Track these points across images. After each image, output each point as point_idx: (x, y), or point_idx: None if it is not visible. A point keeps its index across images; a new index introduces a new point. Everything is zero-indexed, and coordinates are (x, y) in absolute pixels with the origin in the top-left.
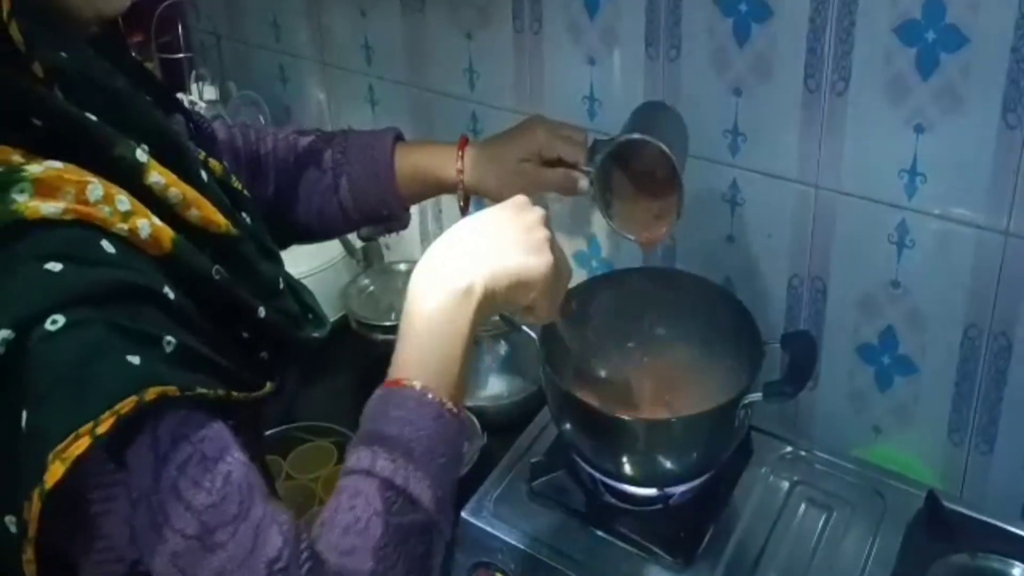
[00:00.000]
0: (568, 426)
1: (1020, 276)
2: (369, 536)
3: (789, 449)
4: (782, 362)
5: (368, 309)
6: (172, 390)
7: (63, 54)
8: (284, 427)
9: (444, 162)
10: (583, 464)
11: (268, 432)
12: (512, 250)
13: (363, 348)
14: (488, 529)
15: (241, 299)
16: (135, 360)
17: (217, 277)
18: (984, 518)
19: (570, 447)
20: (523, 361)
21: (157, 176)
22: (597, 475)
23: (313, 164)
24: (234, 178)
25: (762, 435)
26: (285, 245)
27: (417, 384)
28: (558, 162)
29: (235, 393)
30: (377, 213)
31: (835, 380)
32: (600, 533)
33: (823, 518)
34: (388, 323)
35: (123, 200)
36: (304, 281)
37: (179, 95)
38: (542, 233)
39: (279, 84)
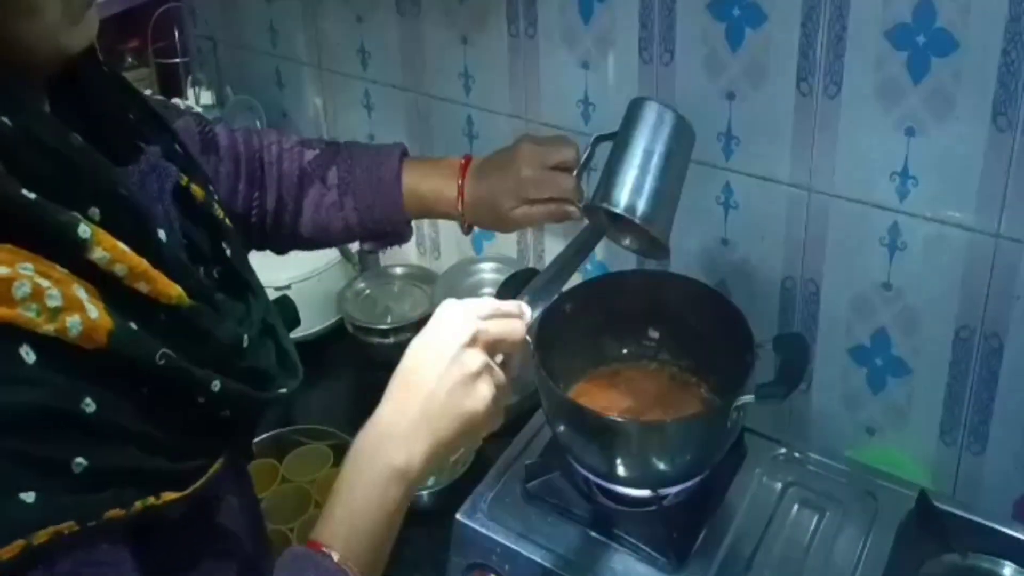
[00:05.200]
0: (562, 428)
1: (1011, 277)
2: None
3: (782, 450)
4: (775, 364)
5: (364, 312)
6: (68, 527)
7: (6, 119)
8: (280, 430)
9: (446, 203)
10: (577, 466)
11: (263, 435)
12: (452, 417)
13: (359, 351)
14: (483, 531)
15: (192, 377)
16: (29, 498)
17: (162, 362)
18: (975, 518)
19: (564, 449)
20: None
21: (101, 252)
22: (591, 477)
23: (318, 180)
24: (216, 206)
25: (755, 436)
26: (284, 251)
27: (336, 555)
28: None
29: (169, 494)
30: (381, 229)
31: (828, 381)
32: (594, 534)
33: (816, 519)
34: (384, 326)
35: (54, 295)
36: (300, 285)
37: (175, 100)
38: (480, 367)
39: (276, 89)
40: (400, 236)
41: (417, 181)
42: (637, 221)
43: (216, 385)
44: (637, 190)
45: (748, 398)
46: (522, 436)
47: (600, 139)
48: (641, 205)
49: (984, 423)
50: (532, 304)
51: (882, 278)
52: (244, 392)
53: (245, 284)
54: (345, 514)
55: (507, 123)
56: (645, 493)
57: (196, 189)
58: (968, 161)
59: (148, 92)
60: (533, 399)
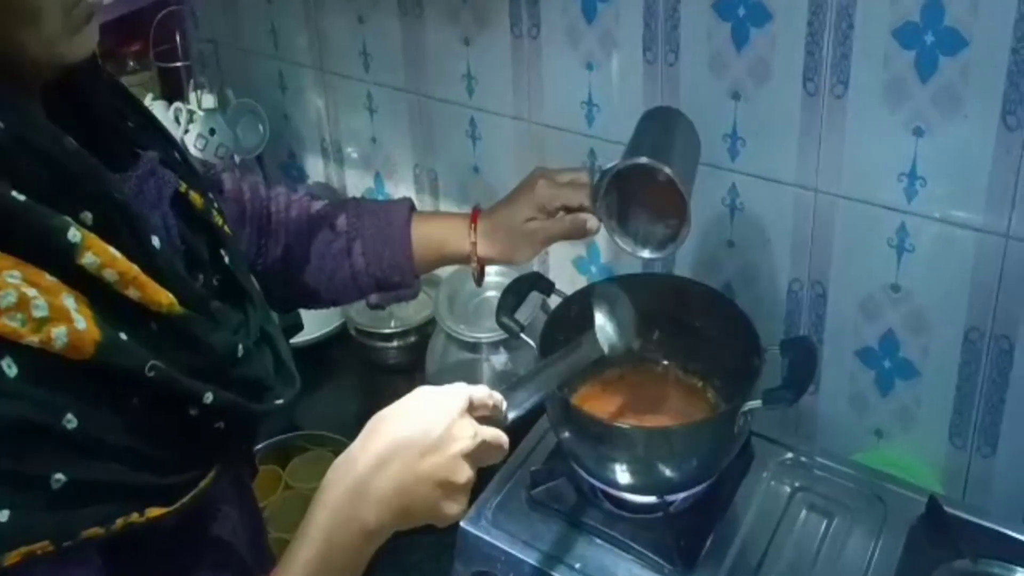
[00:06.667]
0: (567, 434)
1: (1021, 278)
2: None
3: (790, 455)
4: (782, 368)
5: (367, 316)
6: (42, 547)
7: None
8: (283, 436)
9: (458, 236)
10: (582, 472)
11: (266, 442)
12: (424, 506)
13: (362, 355)
14: (487, 538)
15: (183, 388)
16: (2, 517)
17: (152, 374)
18: (986, 523)
19: (569, 455)
20: (522, 368)
21: (91, 257)
22: (596, 483)
23: (327, 226)
24: (215, 212)
25: (763, 441)
26: (289, 309)
27: None
28: (563, 208)
29: (154, 510)
30: (389, 279)
31: (836, 384)
32: (600, 541)
33: (824, 524)
34: (388, 330)
35: (40, 305)
36: None
37: (178, 104)
38: (466, 482)
39: (278, 91)
40: (409, 287)
41: (426, 227)
42: (667, 171)
43: (208, 397)
44: (662, 151)
45: (755, 403)
46: (527, 442)
47: (607, 172)
48: (667, 160)
49: (995, 426)
50: (507, 408)
51: (890, 279)
52: (238, 403)
53: (244, 292)
54: (306, 571)
55: (510, 125)
56: (651, 499)
57: (195, 196)
58: (977, 161)
59: (150, 96)
60: (537, 404)
